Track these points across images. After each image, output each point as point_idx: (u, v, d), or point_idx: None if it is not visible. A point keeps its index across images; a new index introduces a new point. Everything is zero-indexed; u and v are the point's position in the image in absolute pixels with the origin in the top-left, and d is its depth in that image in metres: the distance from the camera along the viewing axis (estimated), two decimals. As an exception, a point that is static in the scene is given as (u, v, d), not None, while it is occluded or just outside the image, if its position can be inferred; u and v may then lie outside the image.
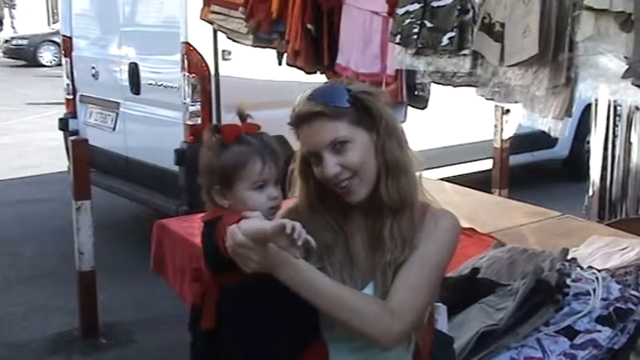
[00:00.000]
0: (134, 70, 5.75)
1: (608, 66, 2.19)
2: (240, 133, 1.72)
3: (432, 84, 3.03)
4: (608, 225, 4.06)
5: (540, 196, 5.72)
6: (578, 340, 2.20)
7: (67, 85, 6.71)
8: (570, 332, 2.23)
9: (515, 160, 6.12)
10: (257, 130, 1.76)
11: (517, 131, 6.05)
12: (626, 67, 2.15)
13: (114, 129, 6.09)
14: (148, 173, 5.73)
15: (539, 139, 5.87)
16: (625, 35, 2.06)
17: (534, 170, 7.33)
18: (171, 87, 5.44)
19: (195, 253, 3.35)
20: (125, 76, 5.84)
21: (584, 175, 5.08)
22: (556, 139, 7.10)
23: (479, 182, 5.24)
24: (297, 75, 3.97)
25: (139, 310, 4.71)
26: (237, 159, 1.69)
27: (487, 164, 6.05)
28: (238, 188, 1.70)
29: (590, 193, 4.98)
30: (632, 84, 2.14)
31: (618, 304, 2.29)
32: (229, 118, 5.27)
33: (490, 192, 4.87)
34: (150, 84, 5.67)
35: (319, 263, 1.67)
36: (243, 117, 1.77)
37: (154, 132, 5.77)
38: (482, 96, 2.83)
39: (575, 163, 7.21)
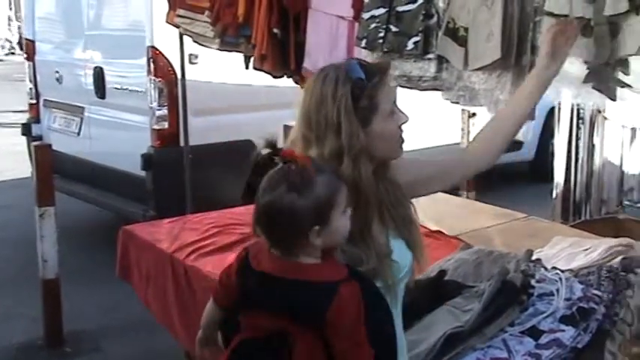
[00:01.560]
0: (99, 75, 5.71)
1: (569, 70, 2.22)
2: (308, 162, 1.61)
3: (399, 88, 3.05)
4: (572, 226, 4.11)
5: (507, 198, 5.77)
6: (542, 340, 2.22)
7: (30, 89, 6.61)
8: (535, 332, 2.25)
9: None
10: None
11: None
12: (587, 71, 2.18)
13: (78, 134, 6.03)
14: (113, 178, 5.68)
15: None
16: (585, 40, 2.10)
17: (501, 172, 7.39)
18: (138, 91, 5.41)
19: (161, 259, 3.34)
20: (90, 80, 5.79)
21: (550, 177, 5.15)
22: (522, 142, 7.22)
23: (446, 185, 5.25)
24: (264, 79, 3.97)
25: (105, 317, 4.66)
26: (329, 188, 1.60)
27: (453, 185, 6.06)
28: (334, 219, 1.61)
29: (555, 194, 5.05)
30: (593, 88, 2.18)
31: (581, 304, 2.32)
32: (196, 122, 5.33)
33: (458, 195, 4.89)
34: (115, 88, 5.63)
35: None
36: (274, 145, 1.68)
37: (119, 137, 5.72)
38: (448, 99, 2.85)
39: (541, 165, 7.29)
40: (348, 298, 1.57)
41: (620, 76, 2.17)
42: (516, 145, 6.75)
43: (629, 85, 2.19)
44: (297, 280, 1.60)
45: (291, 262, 1.62)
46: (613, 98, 2.21)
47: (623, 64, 2.16)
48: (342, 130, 1.72)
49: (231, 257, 3.13)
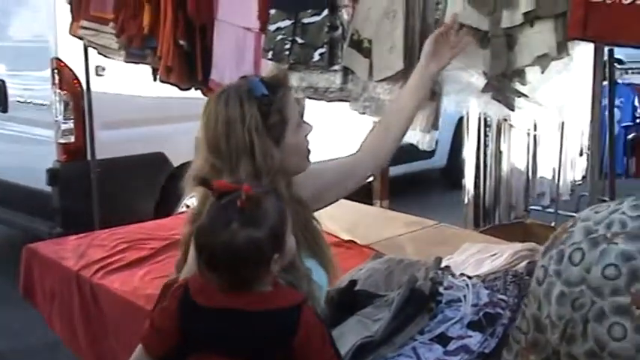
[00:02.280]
0: (1, 87, 5.52)
1: (470, 81, 2.27)
2: (252, 191, 1.51)
3: (307, 99, 3.05)
4: (481, 232, 4.21)
5: (420, 205, 5.86)
6: (451, 347, 2.24)
7: None
8: (444, 339, 2.27)
9: (395, 171, 6.25)
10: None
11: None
12: (485, 82, 2.23)
13: (-20, 149, 5.80)
14: (18, 194, 5.48)
15: (418, 150, 6.00)
16: (482, 52, 2.14)
17: (414, 180, 7.52)
18: (42, 104, 5.25)
19: (66, 277, 3.23)
20: (-9, 93, 5.59)
21: (462, 184, 5.26)
22: (434, 150, 7.35)
23: (360, 194, 5.29)
24: (174, 91, 3.90)
25: (10, 339, 4.47)
26: (278, 211, 1.54)
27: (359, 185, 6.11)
28: (287, 241, 1.56)
29: (466, 201, 5.15)
30: (492, 98, 2.23)
31: (487, 309, 2.35)
32: (103, 136, 5.18)
33: (371, 203, 4.93)
34: (19, 101, 5.45)
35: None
36: (208, 184, 1.58)
37: (23, 151, 5.53)
38: (356, 110, 2.87)
39: (453, 173, 7.42)
40: (312, 319, 1.54)
41: (517, 86, 2.23)
42: (428, 153, 6.87)
43: (525, 95, 2.25)
44: (261, 311, 1.52)
45: (251, 294, 1.53)
46: (511, 108, 2.27)
47: (520, 75, 2.22)
48: (256, 151, 1.68)
49: (140, 273, 3.11)
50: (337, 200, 2.09)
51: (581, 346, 1.03)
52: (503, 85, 2.17)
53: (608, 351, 0.99)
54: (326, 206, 1.97)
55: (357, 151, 2.11)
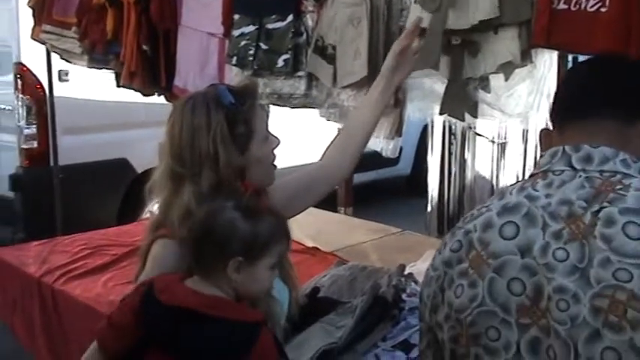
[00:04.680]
0: (-37, 93, 5.42)
1: (433, 88, 2.28)
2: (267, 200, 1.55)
3: (272, 107, 3.05)
4: (444, 240, 4.22)
5: (384, 213, 5.87)
6: (413, 354, 2.25)
7: None
8: (406, 346, 2.28)
9: (359, 178, 6.26)
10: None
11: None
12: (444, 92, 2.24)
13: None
14: (-21, 201, 5.39)
15: (382, 157, 6.02)
16: (446, 58, 2.15)
17: (378, 188, 7.54)
18: (4, 109, 5.20)
19: (28, 284, 3.19)
20: (-47, 98, 5.49)
21: (426, 191, 5.29)
22: (399, 157, 7.38)
23: (324, 201, 5.30)
24: (139, 96, 3.87)
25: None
26: (271, 232, 1.54)
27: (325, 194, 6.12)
28: (261, 264, 1.54)
29: (429, 209, 5.18)
30: (449, 115, 2.24)
31: (450, 316, 2.37)
32: (67, 141, 5.12)
33: (336, 210, 4.93)
34: (-19, 107, 5.37)
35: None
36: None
37: (-15, 157, 5.46)
38: (323, 117, 2.87)
39: (418, 180, 7.45)
40: (268, 341, 1.52)
41: (481, 93, 2.24)
42: (393, 160, 6.89)
43: (475, 116, 2.26)
44: (219, 317, 1.50)
45: (211, 297, 1.52)
46: (475, 115, 2.28)
47: (484, 82, 2.23)
48: (220, 160, 1.65)
49: (103, 279, 3.08)
50: (304, 210, 2.08)
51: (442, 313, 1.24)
52: (464, 92, 2.17)
53: (454, 309, 1.20)
54: (292, 217, 1.95)
55: (320, 160, 2.10)
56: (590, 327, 1.07)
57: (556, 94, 1.35)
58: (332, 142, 2.11)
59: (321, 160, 2.10)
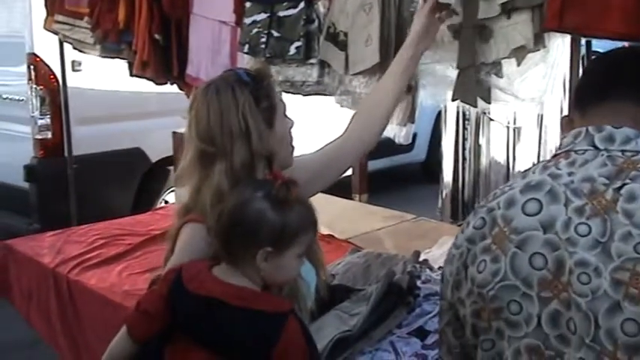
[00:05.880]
0: (-23, 84, 5.44)
1: (445, 73, 2.26)
2: (293, 186, 1.55)
3: (283, 93, 3.04)
4: (460, 225, 4.20)
5: (399, 199, 5.85)
6: (429, 341, 2.25)
7: None
8: (422, 333, 2.28)
9: (374, 165, 6.25)
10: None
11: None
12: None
13: (-44, 146, 5.74)
14: (-6, 191, 5.43)
15: (397, 144, 6.00)
16: (457, 43, 2.13)
17: (393, 174, 7.52)
18: (18, 100, 5.19)
19: (43, 274, 3.21)
20: (-34, 89, 5.52)
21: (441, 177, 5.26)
22: (413, 144, 7.35)
23: (339, 188, 5.30)
24: (151, 86, 3.88)
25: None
26: (301, 222, 1.55)
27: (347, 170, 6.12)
28: (289, 254, 1.55)
29: (444, 195, 5.16)
30: (462, 102, 2.22)
31: (465, 303, 2.36)
32: (80, 131, 5.14)
33: (350, 198, 4.92)
34: (-5, 98, 5.39)
35: None
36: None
37: (0, 148, 5.47)
38: (338, 103, 2.86)
39: (433, 167, 7.41)
40: (295, 331, 1.52)
41: (494, 78, 2.22)
42: (408, 147, 6.87)
43: (488, 102, 2.24)
44: (246, 308, 1.51)
45: (238, 287, 1.53)
46: (488, 101, 2.26)
47: (496, 67, 2.21)
48: (252, 134, 1.69)
49: (117, 269, 3.09)
50: (326, 187, 2.09)
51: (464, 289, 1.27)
52: (474, 78, 2.14)
53: (477, 284, 1.23)
54: (314, 194, 1.96)
55: (342, 135, 2.09)
56: (611, 299, 1.10)
57: (579, 81, 1.38)
58: (354, 116, 2.10)
59: (343, 134, 2.09)
